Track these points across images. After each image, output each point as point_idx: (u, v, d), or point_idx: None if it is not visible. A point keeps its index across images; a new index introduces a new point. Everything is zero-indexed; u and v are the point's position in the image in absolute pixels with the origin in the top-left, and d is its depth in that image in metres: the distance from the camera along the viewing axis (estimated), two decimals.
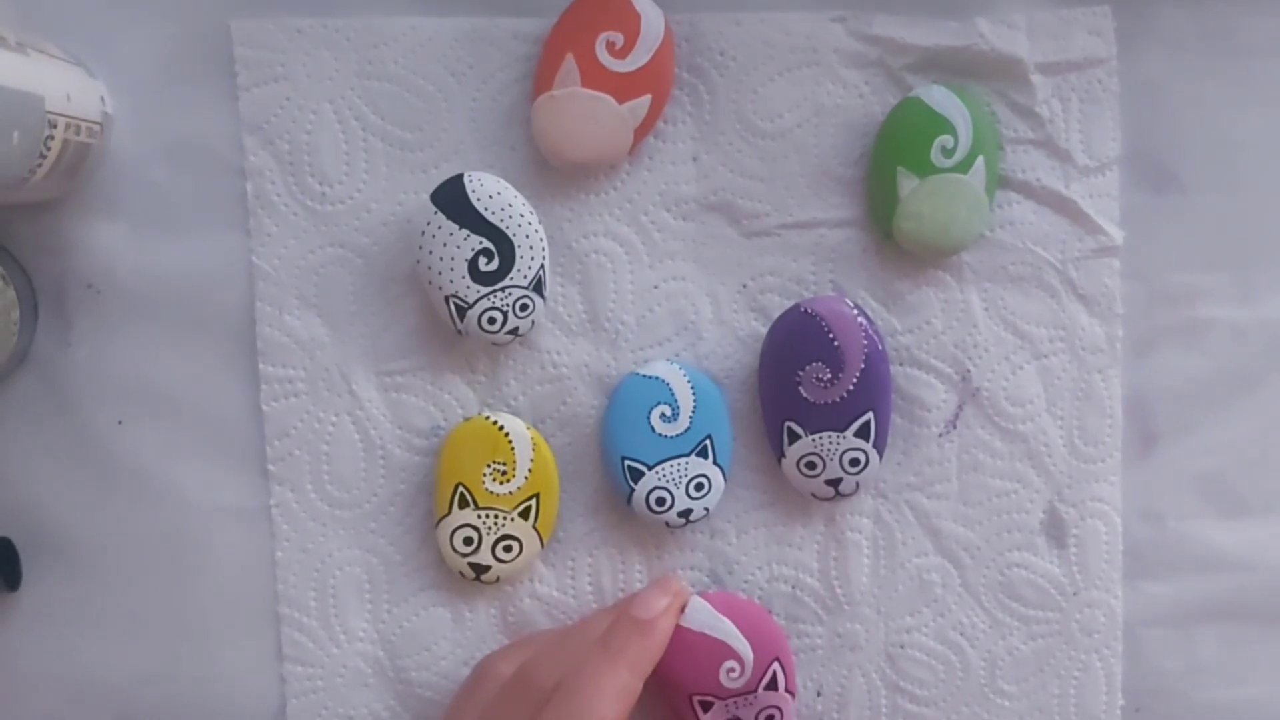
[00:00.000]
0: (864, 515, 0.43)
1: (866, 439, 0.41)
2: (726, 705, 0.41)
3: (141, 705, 0.42)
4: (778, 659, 0.41)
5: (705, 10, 0.41)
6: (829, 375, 0.40)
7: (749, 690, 0.41)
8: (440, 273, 0.39)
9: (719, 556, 0.43)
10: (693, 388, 0.41)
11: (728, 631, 0.41)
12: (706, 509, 0.41)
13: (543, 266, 0.40)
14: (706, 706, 0.41)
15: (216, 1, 0.40)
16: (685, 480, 0.41)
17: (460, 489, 0.41)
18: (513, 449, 0.41)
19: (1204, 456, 0.44)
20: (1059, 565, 0.44)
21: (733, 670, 0.41)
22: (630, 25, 0.40)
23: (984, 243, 0.42)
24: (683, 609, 0.41)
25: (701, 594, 0.42)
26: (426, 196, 0.39)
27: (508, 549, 0.41)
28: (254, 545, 0.42)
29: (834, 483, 0.41)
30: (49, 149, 0.36)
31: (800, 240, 0.42)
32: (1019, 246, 0.43)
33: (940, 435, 0.43)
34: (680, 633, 0.41)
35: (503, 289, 0.40)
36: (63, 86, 0.36)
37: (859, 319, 0.40)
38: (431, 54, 0.41)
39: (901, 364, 0.43)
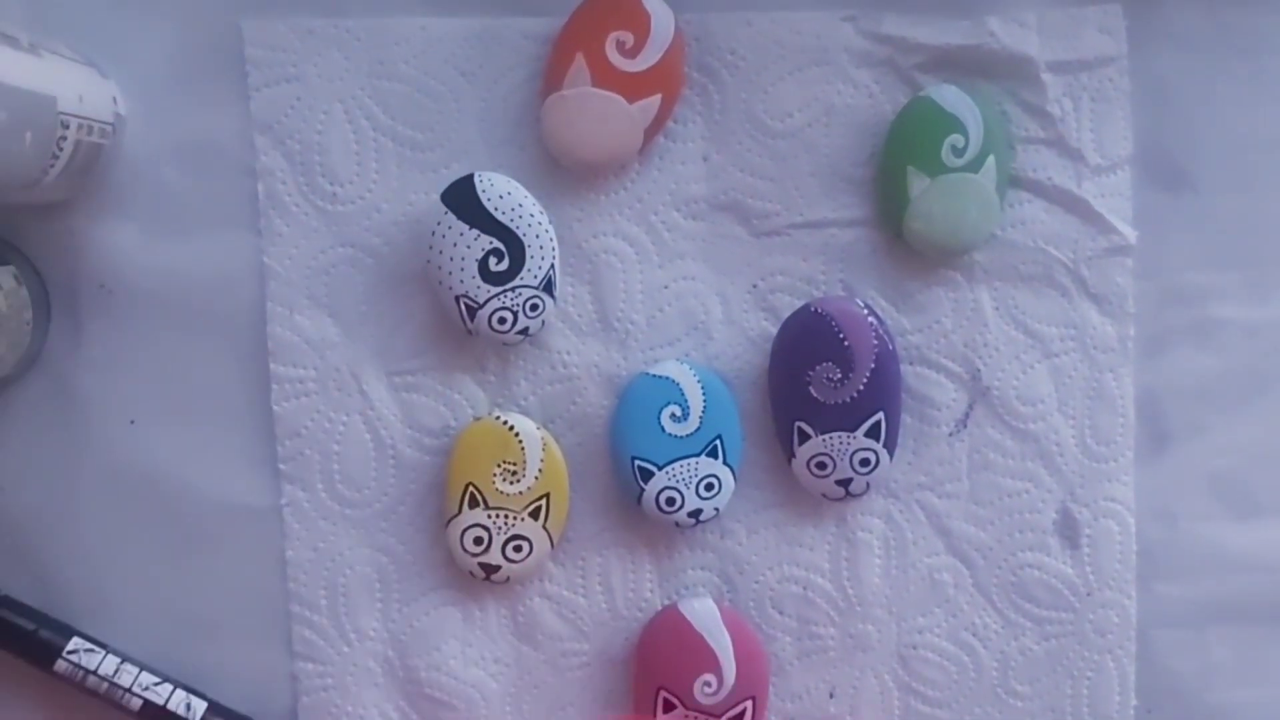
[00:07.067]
0: (875, 515, 0.43)
1: (877, 439, 0.41)
2: (687, 716, 0.41)
3: None
4: (753, 699, 0.41)
5: (715, 10, 0.41)
6: (839, 375, 0.40)
7: (713, 713, 0.41)
8: (450, 273, 0.39)
9: (729, 557, 0.43)
10: (703, 388, 0.41)
11: (723, 645, 0.41)
12: (717, 509, 0.41)
13: (553, 266, 0.40)
14: (669, 707, 0.41)
15: (228, 2, 0.40)
16: (695, 480, 0.41)
17: (470, 489, 0.41)
18: (523, 449, 0.41)
19: (1216, 457, 0.44)
20: (1072, 566, 0.43)
21: (709, 685, 0.41)
22: (640, 25, 0.40)
23: (995, 242, 0.42)
24: None
25: (717, 601, 0.42)
26: (437, 196, 0.39)
27: (518, 549, 0.41)
28: (265, 544, 0.42)
29: (844, 483, 0.41)
30: (61, 150, 0.36)
31: (810, 240, 0.42)
32: (1030, 246, 0.42)
33: (951, 435, 0.43)
34: (680, 624, 0.41)
35: (513, 289, 0.40)
36: (75, 87, 0.37)
37: (869, 319, 0.40)
38: (442, 54, 0.41)
39: (912, 363, 0.43)
